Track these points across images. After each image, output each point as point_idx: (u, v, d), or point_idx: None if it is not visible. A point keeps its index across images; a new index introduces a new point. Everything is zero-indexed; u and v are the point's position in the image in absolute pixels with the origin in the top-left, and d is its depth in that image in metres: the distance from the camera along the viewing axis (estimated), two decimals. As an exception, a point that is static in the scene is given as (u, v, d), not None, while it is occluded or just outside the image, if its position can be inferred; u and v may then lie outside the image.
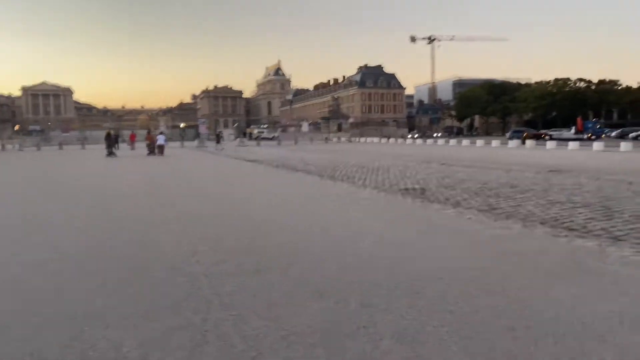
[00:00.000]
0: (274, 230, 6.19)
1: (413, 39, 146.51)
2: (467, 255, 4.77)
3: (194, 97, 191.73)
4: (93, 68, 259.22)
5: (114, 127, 52.64)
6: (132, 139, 36.92)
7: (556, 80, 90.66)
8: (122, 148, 34.30)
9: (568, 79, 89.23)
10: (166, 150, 29.22)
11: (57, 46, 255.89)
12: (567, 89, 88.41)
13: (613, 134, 53.43)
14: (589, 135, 47.55)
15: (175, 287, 3.91)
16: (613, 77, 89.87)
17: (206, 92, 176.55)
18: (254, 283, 3.99)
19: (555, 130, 52.74)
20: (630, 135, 47.90)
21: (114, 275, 4.31)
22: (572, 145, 28.30)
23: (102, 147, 31.28)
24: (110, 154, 27.53)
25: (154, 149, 28.70)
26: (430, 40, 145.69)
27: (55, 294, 3.85)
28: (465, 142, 43.35)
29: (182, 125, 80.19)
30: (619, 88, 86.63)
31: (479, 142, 39.99)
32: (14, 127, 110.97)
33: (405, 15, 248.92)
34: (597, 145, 26.54)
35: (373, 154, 24.90)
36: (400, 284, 3.85)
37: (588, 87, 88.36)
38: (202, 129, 59.21)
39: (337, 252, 4.94)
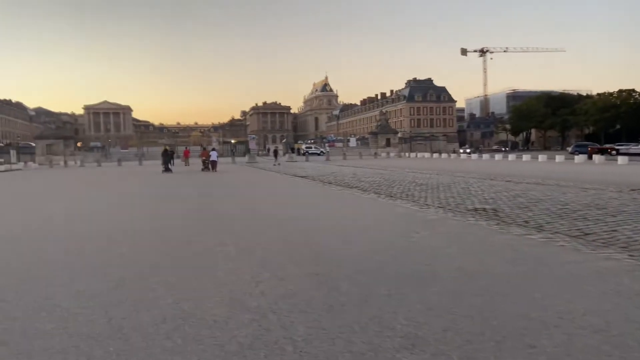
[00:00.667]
0: (341, 256, 5.63)
1: (464, 52, 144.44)
2: (577, 294, 4.00)
3: (244, 113, 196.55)
4: (151, 87, 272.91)
5: (170, 144, 54.28)
6: (186, 155, 37.75)
7: (620, 91, 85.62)
8: (177, 164, 35.07)
9: (633, 90, 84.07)
10: (218, 166, 29.52)
11: (118, 67, 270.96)
12: (631, 101, 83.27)
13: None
14: (661, 149, 44.23)
15: (240, 327, 3.41)
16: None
17: (255, 109, 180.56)
18: (328, 323, 3.43)
19: (622, 145, 49.47)
20: None
21: (168, 310, 3.87)
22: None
23: (158, 163, 32.09)
24: (167, 169, 28.08)
25: (208, 165, 29.08)
26: (482, 52, 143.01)
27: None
28: (526, 157, 41.26)
29: (232, 141, 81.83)
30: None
31: (540, 156, 37.89)
32: (76, 143, 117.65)
33: (456, 28, 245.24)
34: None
35: (427, 170, 23.95)
36: (507, 337, 3.15)
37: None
38: (252, 145, 60.18)
39: (415, 285, 4.30)
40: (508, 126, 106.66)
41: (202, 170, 28.99)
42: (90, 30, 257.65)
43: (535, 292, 4.04)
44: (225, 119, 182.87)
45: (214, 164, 28.88)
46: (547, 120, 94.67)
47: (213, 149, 32.94)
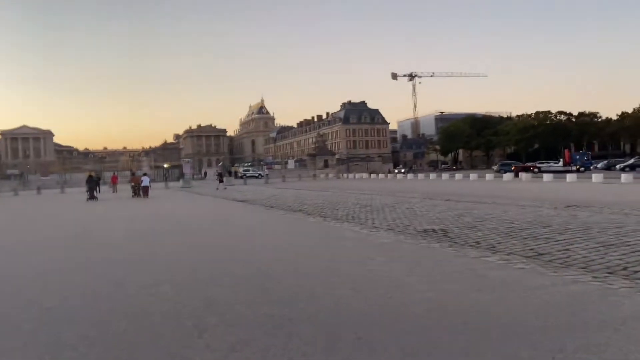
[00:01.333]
0: (296, 291, 5.04)
1: (394, 76, 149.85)
2: (572, 327, 3.68)
3: (177, 137, 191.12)
4: (74, 110, 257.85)
5: (95, 169, 51.05)
6: (114, 181, 35.41)
7: (537, 113, 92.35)
8: (104, 190, 32.81)
9: (549, 112, 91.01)
10: (150, 192, 27.90)
11: (38, 90, 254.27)
12: (548, 122, 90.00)
13: (599, 165, 53.70)
14: (577, 167, 47.60)
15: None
16: (592, 110, 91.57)
17: (189, 132, 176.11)
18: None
19: (543, 163, 52.84)
20: (618, 166, 48.12)
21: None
22: (569, 177, 27.81)
23: (82, 190, 29.79)
24: (92, 197, 26.06)
25: (138, 191, 27.38)
26: (411, 77, 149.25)
27: None
28: (458, 175, 42.84)
29: (165, 165, 78.76)
30: (599, 120, 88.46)
31: (471, 175, 39.50)
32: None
33: (386, 53, 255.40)
34: (596, 178, 26.04)
35: (368, 191, 23.97)
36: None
37: (569, 119, 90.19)
38: (187, 169, 57.94)
39: (385, 324, 3.82)
40: (438, 147, 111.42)
41: (133, 196, 27.21)
42: (6, 52, 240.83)
43: (518, 327, 3.68)
44: (157, 144, 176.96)
45: (145, 189, 27.26)
46: (473, 140, 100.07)
47: (145, 174, 31.24)
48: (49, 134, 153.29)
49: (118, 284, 5.72)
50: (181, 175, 59.00)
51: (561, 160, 49.49)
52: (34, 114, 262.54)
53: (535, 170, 45.28)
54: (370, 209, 13.66)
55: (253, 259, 7.00)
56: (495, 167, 58.60)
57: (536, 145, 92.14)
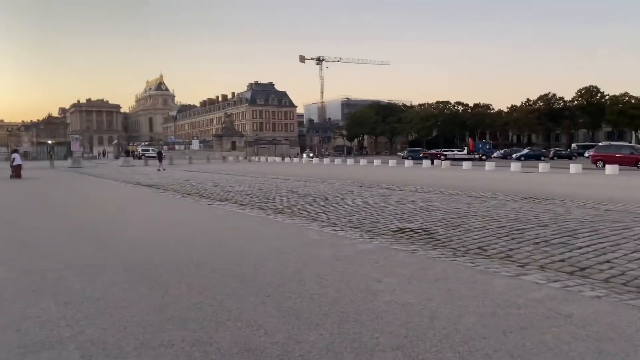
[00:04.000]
0: (283, 348, 3.01)
1: (302, 59, 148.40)
2: None
3: (63, 111, 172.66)
4: None
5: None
6: (-17, 159, 29.63)
7: (437, 103, 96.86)
8: (-32, 170, 27.10)
9: (448, 102, 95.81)
10: (31, 172, 23.41)
11: None
12: (447, 112, 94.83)
13: (495, 154, 57.20)
14: (480, 155, 50.04)
15: None
16: (486, 102, 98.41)
17: (77, 106, 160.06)
18: None
19: (447, 150, 54.91)
20: (514, 155, 51.44)
21: None
22: (487, 166, 28.49)
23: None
24: (-51, 178, 21.05)
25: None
26: (319, 60, 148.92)
27: None
28: (364, 161, 42.65)
29: (50, 142, 69.72)
30: (492, 112, 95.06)
31: (381, 161, 39.63)
32: None
33: (294, 35, 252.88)
34: (515, 167, 26.85)
35: (291, 176, 22.04)
36: None
37: (465, 110, 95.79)
38: (75, 147, 51.05)
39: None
40: (344, 132, 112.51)
41: (12, 177, 22.56)
42: None
43: None
44: (40, 117, 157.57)
45: (17, 169, 22.82)
46: (379, 127, 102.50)
47: (14, 151, 27.00)
48: None
49: None
50: (69, 154, 52.43)
51: (465, 148, 51.69)
52: None
53: (442, 157, 46.67)
54: (313, 199, 11.76)
55: (189, 276, 4.75)
56: (402, 154, 59.85)
57: (434, 134, 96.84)
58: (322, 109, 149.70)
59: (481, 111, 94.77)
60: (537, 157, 48.08)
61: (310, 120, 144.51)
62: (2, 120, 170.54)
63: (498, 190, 14.03)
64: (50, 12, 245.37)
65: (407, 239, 6.82)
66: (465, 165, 29.63)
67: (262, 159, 61.26)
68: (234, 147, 70.92)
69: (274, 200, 11.83)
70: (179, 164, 41.97)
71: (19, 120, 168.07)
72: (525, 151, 54.22)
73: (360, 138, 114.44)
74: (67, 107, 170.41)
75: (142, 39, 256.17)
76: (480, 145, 53.31)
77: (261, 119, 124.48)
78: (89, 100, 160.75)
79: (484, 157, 49.49)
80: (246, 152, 72.00)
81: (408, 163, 37.59)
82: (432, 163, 36.54)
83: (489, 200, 11.20)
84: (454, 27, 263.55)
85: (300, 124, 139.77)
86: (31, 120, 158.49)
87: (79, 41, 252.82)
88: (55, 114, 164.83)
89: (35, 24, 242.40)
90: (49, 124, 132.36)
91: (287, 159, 60.42)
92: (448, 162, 35.65)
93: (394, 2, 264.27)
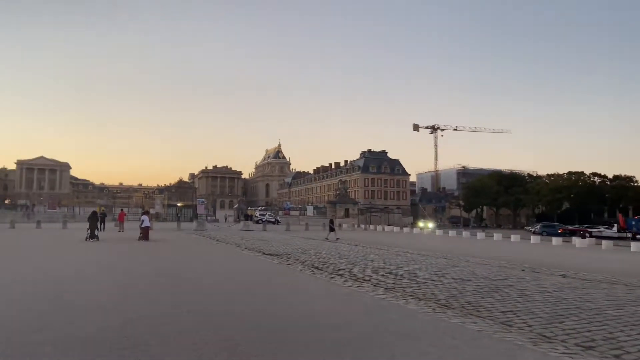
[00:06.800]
0: None
1: (416, 128, 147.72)
2: None
3: (192, 176, 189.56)
4: (93, 144, 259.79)
5: (106, 205, 47.52)
6: (121, 219, 31.58)
7: (569, 173, 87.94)
8: (109, 229, 28.98)
9: (582, 173, 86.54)
10: (159, 234, 23.93)
11: (58, 121, 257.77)
12: (581, 183, 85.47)
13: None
14: (633, 233, 42.82)
15: None
16: (628, 174, 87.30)
17: (204, 172, 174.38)
18: None
19: (592, 227, 47.99)
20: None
21: None
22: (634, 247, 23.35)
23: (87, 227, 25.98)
24: (92, 237, 22.12)
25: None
26: (434, 129, 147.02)
27: None
28: (497, 236, 38.19)
29: (179, 204, 75.21)
30: (636, 185, 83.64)
31: (502, 235, 35.13)
32: (4, 200, 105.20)
33: (408, 104, 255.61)
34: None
35: (423, 250, 19.60)
36: None
37: (603, 182, 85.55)
38: (201, 209, 53.84)
39: None
40: (461, 202, 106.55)
41: (140, 239, 23.14)
42: (25, 80, 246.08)
43: None
44: (172, 182, 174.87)
45: (145, 231, 23.24)
46: (501, 198, 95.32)
47: (144, 213, 26.12)
48: (65, 166, 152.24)
49: None
50: (194, 216, 55.30)
51: (615, 225, 44.69)
52: (54, 146, 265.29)
53: (587, 235, 40.59)
54: (478, 287, 9.42)
55: None
56: (533, 228, 53.73)
57: (565, 207, 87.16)
58: (436, 177, 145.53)
59: (623, 183, 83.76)
60: None
61: (423, 189, 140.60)
62: (140, 184, 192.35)
63: None
64: (188, 91, 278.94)
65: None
66: (605, 245, 24.50)
67: (377, 227, 59.12)
68: (347, 214, 70.11)
69: (426, 285, 9.69)
70: (296, 230, 41.57)
71: (155, 184, 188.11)
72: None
73: (479, 209, 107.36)
74: (196, 172, 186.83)
75: (263, 107, 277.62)
76: (634, 222, 45.63)
77: (373, 187, 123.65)
78: (214, 167, 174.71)
79: (638, 235, 42.14)
80: (358, 219, 70.67)
81: (535, 238, 32.71)
82: (570, 240, 31.32)
83: None
84: (575, 96, 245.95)
85: (413, 192, 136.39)
86: (165, 185, 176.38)
87: (210, 114, 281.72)
88: (185, 179, 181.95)
89: (177, 102, 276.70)
90: (179, 188, 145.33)
91: (395, 228, 57.68)
92: (587, 241, 30.43)
93: (512, 70, 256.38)
